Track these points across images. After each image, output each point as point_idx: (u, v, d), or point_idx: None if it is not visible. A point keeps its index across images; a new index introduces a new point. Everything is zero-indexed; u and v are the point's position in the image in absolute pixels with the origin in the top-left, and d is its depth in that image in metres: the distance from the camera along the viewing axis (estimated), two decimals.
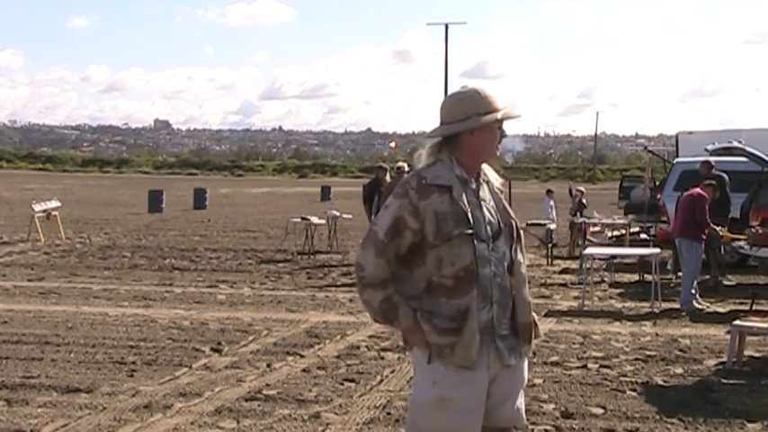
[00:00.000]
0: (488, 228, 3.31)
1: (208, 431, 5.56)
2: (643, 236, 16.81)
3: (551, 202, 19.66)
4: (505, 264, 3.33)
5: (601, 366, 7.37)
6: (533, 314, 3.46)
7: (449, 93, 3.48)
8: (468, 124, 3.31)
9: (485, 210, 3.33)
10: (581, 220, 16.92)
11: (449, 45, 69.58)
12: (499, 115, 3.33)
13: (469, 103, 3.32)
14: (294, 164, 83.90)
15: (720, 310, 10.44)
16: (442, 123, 3.39)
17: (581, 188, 20.49)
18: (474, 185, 3.35)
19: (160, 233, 20.32)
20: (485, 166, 3.45)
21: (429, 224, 3.23)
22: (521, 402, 3.44)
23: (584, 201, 18.86)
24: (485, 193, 3.38)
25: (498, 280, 3.29)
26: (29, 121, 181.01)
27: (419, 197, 3.25)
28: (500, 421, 3.40)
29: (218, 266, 14.41)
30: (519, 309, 3.36)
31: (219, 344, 8.09)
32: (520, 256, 3.38)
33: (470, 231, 3.23)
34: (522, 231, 3.47)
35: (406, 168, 13.34)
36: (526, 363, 3.48)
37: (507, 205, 3.44)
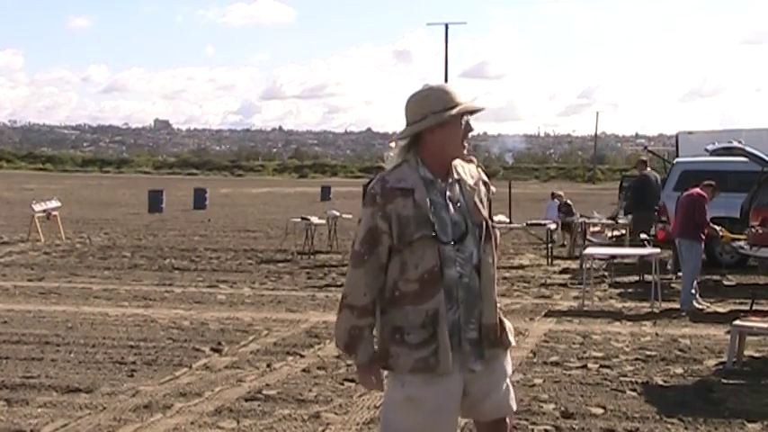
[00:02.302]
0: (454, 228, 3.26)
1: (208, 431, 5.56)
2: (643, 236, 16.81)
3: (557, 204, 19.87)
4: (472, 264, 3.29)
5: (601, 366, 7.37)
6: (506, 322, 3.43)
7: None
8: (425, 123, 3.29)
9: (451, 210, 3.28)
10: (581, 219, 16.92)
11: (449, 45, 69.64)
12: (455, 111, 3.28)
13: (426, 102, 3.30)
14: (294, 164, 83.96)
15: (720, 310, 10.44)
16: (407, 124, 3.38)
17: (560, 192, 20.44)
18: (442, 185, 3.30)
19: (160, 233, 20.32)
20: (460, 164, 3.40)
21: (394, 228, 3.23)
22: (505, 394, 3.44)
23: (567, 201, 18.99)
24: (454, 192, 3.32)
25: (465, 280, 3.26)
26: (29, 121, 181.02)
27: (384, 201, 3.25)
28: (486, 415, 3.43)
29: (218, 266, 14.41)
30: (485, 309, 3.32)
31: (219, 344, 8.09)
32: (489, 257, 3.33)
33: (433, 234, 3.21)
34: (494, 230, 3.40)
35: None
36: (508, 356, 3.46)
37: (481, 204, 3.35)
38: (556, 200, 20.03)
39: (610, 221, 16.63)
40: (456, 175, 3.35)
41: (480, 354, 3.31)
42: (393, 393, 3.34)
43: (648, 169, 14.83)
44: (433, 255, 3.21)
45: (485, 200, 3.42)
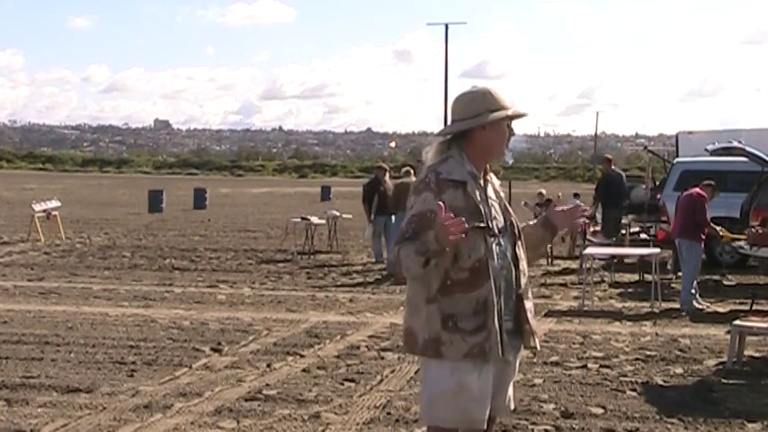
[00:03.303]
0: (495, 223, 3.45)
1: (208, 431, 5.56)
2: (643, 236, 16.83)
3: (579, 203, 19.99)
4: (509, 257, 3.47)
5: (601, 366, 7.37)
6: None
7: (452, 93, 3.61)
8: (480, 120, 3.44)
9: (491, 206, 3.47)
10: (581, 219, 16.90)
11: (449, 45, 69.69)
12: (510, 112, 3.47)
13: (481, 101, 3.46)
14: (294, 164, 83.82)
15: (720, 310, 10.44)
16: (453, 121, 3.51)
17: (542, 190, 20.43)
18: (481, 182, 3.49)
19: (160, 233, 20.32)
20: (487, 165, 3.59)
21: None
22: (511, 392, 3.61)
23: (540, 203, 18.95)
24: (490, 190, 3.52)
25: (504, 272, 3.44)
26: (29, 121, 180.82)
27: (439, 191, 3.37)
28: (494, 411, 3.52)
29: (218, 266, 14.41)
30: (526, 302, 3.52)
31: (219, 344, 8.09)
32: (521, 252, 3.53)
33: (483, 225, 3.38)
34: (521, 229, 3.61)
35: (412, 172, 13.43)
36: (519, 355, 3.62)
37: (507, 204, 3.58)
38: (578, 200, 20.17)
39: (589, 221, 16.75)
40: (489, 176, 3.56)
41: (513, 344, 3.47)
42: (442, 382, 3.40)
43: (613, 167, 15.17)
44: (483, 245, 3.37)
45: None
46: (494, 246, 3.41)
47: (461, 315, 3.35)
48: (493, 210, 3.47)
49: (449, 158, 3.45)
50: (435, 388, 3.44)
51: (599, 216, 16.32)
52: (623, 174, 15.58)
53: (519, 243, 3.53)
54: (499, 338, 3.36)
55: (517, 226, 3.56)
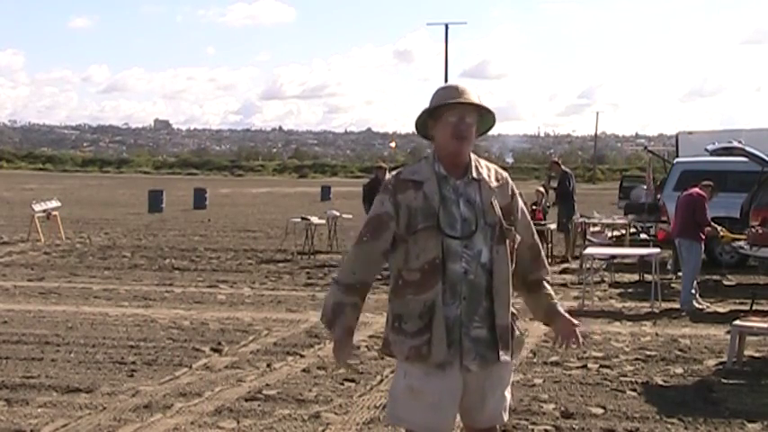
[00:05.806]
0: (463, 224, 3.30)
1: (208, 431, 5.56)
2: (643, 236, 16.83)
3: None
4: (480, 262, 3.31)
5: (601, 366, 7.37)
6: (518, 331, 3.48)
7: None
8: (419, 119, 3.46)
9: (462, 206, 3.32)
10: (581, 219, 16.92)
11: (449, 45, 69.66)
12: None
13: (429, 105, 3.44)
14: (294, 164, 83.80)
15: (720, 310, 10.44)
16: None
17: (541, 189, 20.05)
18: (456, 182, 3.35)
19: (160, 233, 20.31)
20: (485, 166, 3.45)
21: (402, 217, 3.32)
22: (499, 402, 3.45)
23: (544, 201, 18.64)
24: (471, 190, 3.35)
25: (471, 277, 3.30)
26: (29, 121, 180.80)
27: (396, 191, 3.35)
28: (478, 422, 3.46)
29: (218, 266, 14.40)
30: (498, 310, 3.36)
31: (219, 344, 8.09)
32: (503, 258, 3.35)
33: (436, 226, 3.27)
34: (511, 233, 3.40)
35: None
36: (509, 365, 3.47)
37: (498, 205, 3.36)
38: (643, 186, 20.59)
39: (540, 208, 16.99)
40: (476, 175, 3.39)
41: (480, 353, 3.33)
42: (397, 381, 3.43)
43: (563, 167, 17.06)
44: (436, 246, 3.27)
45: (515, 203, 3.46)
46: (458, 248, 3.27)
47: (407, 316, 3.31)
48: (465, 210, 3.30)
49: (422, 159, 3.46)
50: (394, 386, 3.47)
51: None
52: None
53: (500, 248, 3.33)
54: (444, 344, 3.25)
55: (502, 228, 3.35)
